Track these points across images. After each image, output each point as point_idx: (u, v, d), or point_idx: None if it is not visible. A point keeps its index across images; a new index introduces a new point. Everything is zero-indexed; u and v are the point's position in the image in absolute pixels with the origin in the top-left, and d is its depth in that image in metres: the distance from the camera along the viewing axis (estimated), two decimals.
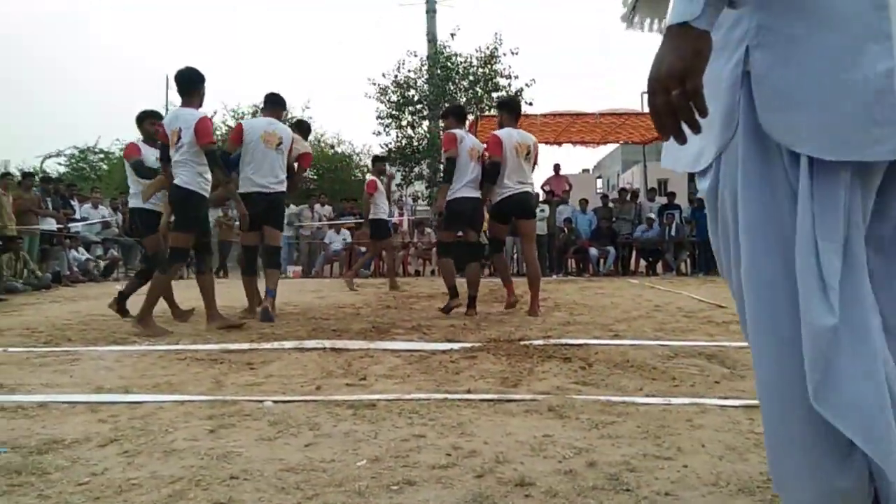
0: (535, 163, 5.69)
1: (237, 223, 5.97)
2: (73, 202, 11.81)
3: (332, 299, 7.15)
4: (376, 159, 9.72)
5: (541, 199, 12.53)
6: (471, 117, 14.68)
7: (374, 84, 17.75)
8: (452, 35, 17.47)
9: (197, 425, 2.25)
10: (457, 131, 5.54)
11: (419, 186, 18.41)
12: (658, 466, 1.82)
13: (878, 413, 1.01)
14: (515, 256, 11.81)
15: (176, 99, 5.15)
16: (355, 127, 60.70)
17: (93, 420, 2.35)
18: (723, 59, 1.12)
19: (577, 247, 12.28)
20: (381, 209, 8.51)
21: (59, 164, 25.59)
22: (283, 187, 5.32)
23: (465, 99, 16.91)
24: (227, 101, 30.49)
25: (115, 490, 1.69)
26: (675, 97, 1.01)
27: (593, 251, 12.16)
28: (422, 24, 18.75)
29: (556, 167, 13.67)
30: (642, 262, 12.73)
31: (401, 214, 14.01)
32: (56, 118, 56.61)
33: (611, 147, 26.81)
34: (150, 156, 5.31)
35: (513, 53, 17.28)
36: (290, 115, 16.02)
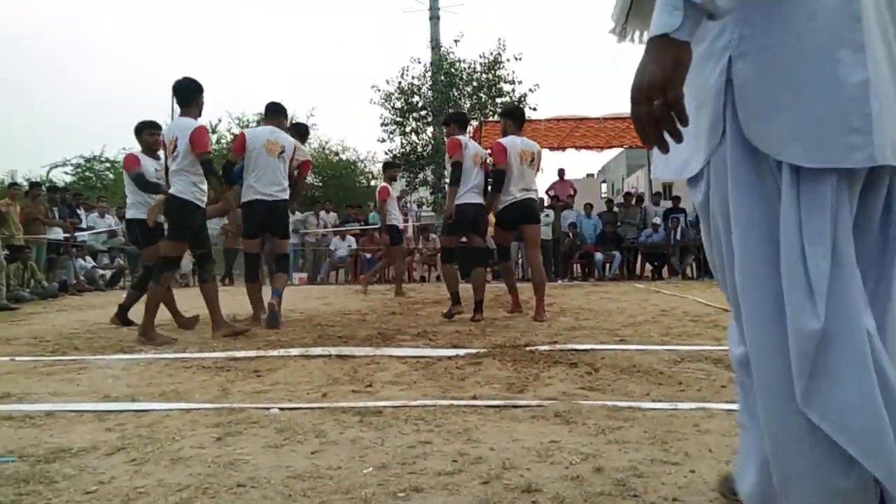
0: (538, 169, 5.74)
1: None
2: (79, 211, 11.88)
3: (337, 306, 7.16)
4: (387, 165, 9.74)
5: (545, 204, 12.52)
6: (475, 123, 14.72)
7: (378, 91, 17.81)
8: (456, 41, 17.52)
9: (204, 433, 2.25)
10: (460, 137, 5.59)
11: (424, 192, 18.43)
12: (665, 472, 1.81)
13: (869, 417, 1.02)
14: (520, 262, 11.80)
15: None
16: (357, 128, 60.94)
17: (100, 428, 2.35)
18: (708, 69, 1.15)
19: (583, 251, 12.27)
20: (394, 215, 8.53)
21: (66, 173, 25.78)
22: (286, 195, 5.35)
23: (468, 105, 16.92)
24: (231, 109, 30.73)
25: (122, 498, 1.70)
26: (656, 107, 1.04)
27: (598, 256, 12.14)
28: (424, 28, 18.81)
29: (561, 172, 13.66)
30: (648, 267, 12.68)
31: (406, 221, 14.03)
32: (62, 127, 57.10)
33: (615, 151, 26.81)
34: (150, 167, 5.35)
35: (516, 59, 17.31)
36: (293, 118, 16.07)
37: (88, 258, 11.29)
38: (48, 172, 24.67)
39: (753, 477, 1.33)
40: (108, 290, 10.76)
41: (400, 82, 17.69)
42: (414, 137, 17.95)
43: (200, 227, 4.84)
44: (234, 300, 6.56)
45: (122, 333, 4.99)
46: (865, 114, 1.05)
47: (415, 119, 17.76)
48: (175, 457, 2.01)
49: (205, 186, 4.75)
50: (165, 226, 5.01)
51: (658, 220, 12.27)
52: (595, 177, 47.19)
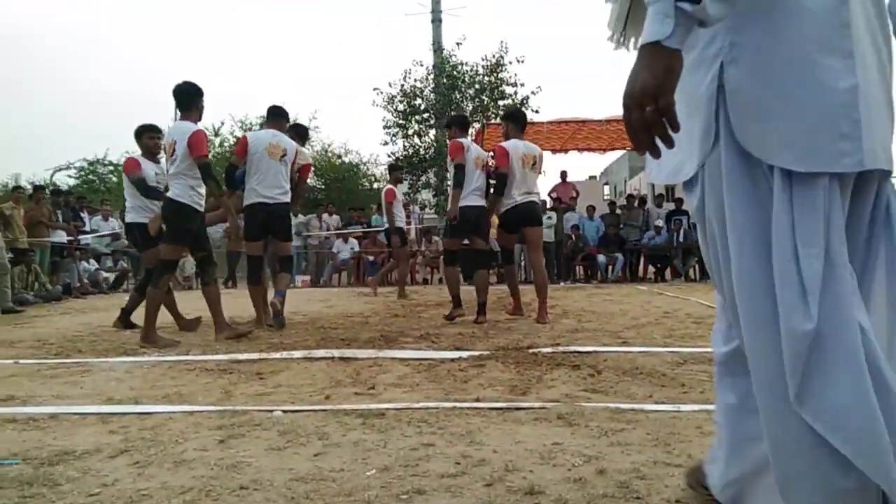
0: (539, 172, 5.77)
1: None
2: (83, 214, 11.90)
3: (340, 308, 7.16)
4: (393, 168, 9.73)
5: (548, 206, 12.53)
6: (477, 125, 14.72)
7: (381, 93, 17.83)
8: (458, 44, 17.53)
9: (207, 436, 2.26)
10: (462, 140, 5.62)
11: (426, 195, 18.43)
12: (668, 474, 1.81)
13: (863, 418, 1.03)
14: (523, 264, 11.80)
15: None
16: (359, 130, 60.96)
17: (103, 431, 2.36)
18: (699, 75, 1.17)
19: (585, 254, 12.26)
20: (399, 217, 8.54)
21: (70, 176, 25.81)
22: (288, 198, 5.37)
23: (471, 107, 16.92)
24: (234, 111, 30.75)
25: (125, 501, 1.70)
26: (648, 113, 1.06)
27: (601, 258, 12.13)
28: (426, 30, 18.84)
29: (563, 174, 13.67)
30: (650, 269, 12.68)
31: (408, 223, 14.03)
32: (65, 129, 56.96)
33: (618, 153, 26.72)
34: (150, 170, 5.37)
35: (518, 61, 17.31)
36: (296, 119, 16.08)
37: (92, 261, 11.32)
38: (52, 176, 24.73)
39: (725, 474, 1.37)
40: (112, 292, 10.78)
41: (402, 85, 17.72)
42: (416, 140, 17.97)
43: (200, 230, 4.85)
44: (237, 303, 6.57)
45: (125, 336, 5.00)
46: (854, 119, 1.08)
47: (417, 122, 17.77)
48: (178, 459, 2.01)
49: (203, 190, 4.75)
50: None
51: (661, 223, 12.27)
52: (597, 179, 47.18)
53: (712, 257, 1.24)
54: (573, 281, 12.13)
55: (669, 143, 1.07)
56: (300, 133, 6.40)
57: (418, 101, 17.61)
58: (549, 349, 3.84)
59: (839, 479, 1.05)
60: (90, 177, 25.73)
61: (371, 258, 12.98)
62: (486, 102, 17.02)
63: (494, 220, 5.89)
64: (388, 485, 1.77)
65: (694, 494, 1.61)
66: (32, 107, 56.66)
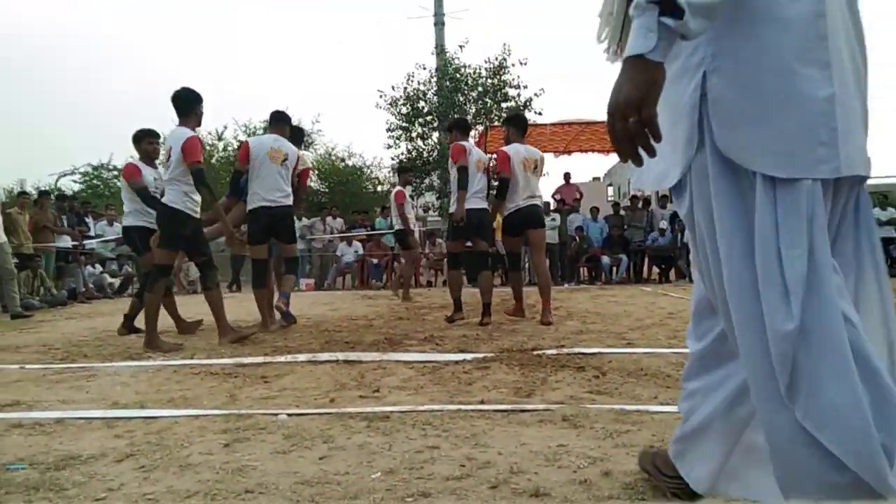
0: (541, 174, 5.80)
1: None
2: (87, 219, 11.94)
3: (344, 311, 7.17)
4: (402, 169, 9.72)
5: (551, 207, 12.52)
6: (480, 128, 14.72)
7: (384, 96, 17.86)
8: (461, 46, 17.55)
9: (212, 439, 2.26)
10: (464, 143, 5.64)
11: (430, 197, 18.44)
12: None
13: (852, 418, 1.06)
14: (526, 265, 11.79)
15: None
16: (362, 133, 60.94)
17: (109, 435, 2.36)
18: (683, 84, 1.22)
19: (589, 255, 12.24)
20: (411, 219, 8.55)
21: (74, 181, 25.89)
22: (290, 200, 5.39)
23: (474, 110, 16.95)
24: (237, 116, 30.77)
25: None
26: (631, 124, 1.09)
27: (605, 259, 12.12)
28: (429, 33, 18.87)
29: (567, 176, 13.65)
30: (655, 270, 12.65)
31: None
32: (70, 135, 57.14)
33: None
34: (149, 176, 5.39)
35: (521, 64, 17.32)
36: (300, 123, 16.11)
37: (97, 266, 11.36)
38: (57, 181, 24.81)
39: (704, 469, 1.46)
40: (117, 297, 10.81)
41: (405, 88, 17.75)
42: (420, 143, 17.99)
43: (196, 235, 4.85)
44: (241, 306, 6.58)
45: (130, 340, 5.02)
46: (832, 128, 1.12)
47: (420, 125, 17.80)
48: (184, 463, 2.01)
49: (197, 196, 4.76)
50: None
51: (664, 224, 12.24)
52: (601, 180, 47.04)
53: (702, 260, 1.28)
54: (577, 282, 12.11)
55: (651, 153, 1.11)
56: (295, 135, 6.42)
57: (421, 103, 17.64)
58: (553, 351, 3.84)
59: (833, 475, 1.07)
60: (95, 181, 25.81)
61: (375, 261, 12.98)
62: (489, 105, 17.04)
63: (497, 221, 5.91)
64: (394, 487, 1.77)
65: (650, 478, 1.70)
66: (34, 113, 56.90)
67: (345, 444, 2.17)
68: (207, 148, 21.43)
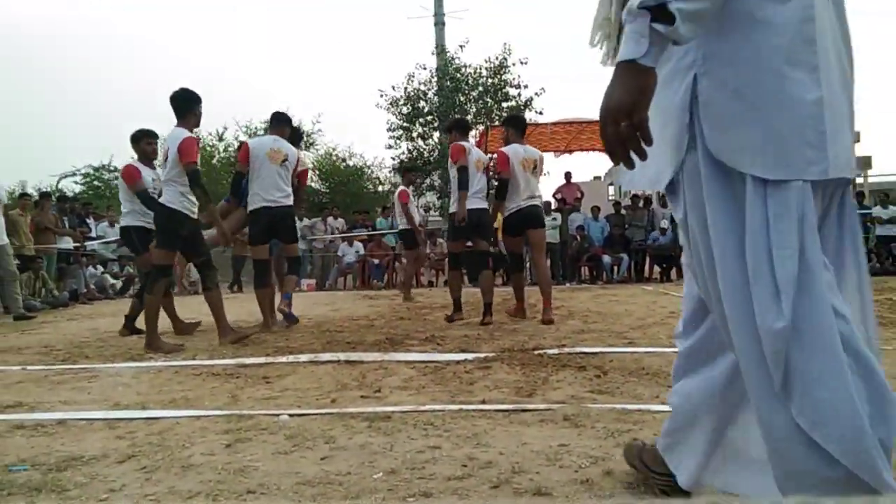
0: (540, 174, 5.83)
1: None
2: (88, 221, 11.95)
3: (345, 312, 7.17)
4: (407, 169, 9.72)
5: (552, 207, 12.52)
6: (481, 128, 14.72)
7: (384, 95, 17.88)
8: (461, 46, 17.56)
9: (213, 440, 2.26)
10: (464, 143, 5.66)
11: (431, 197, 18.45)
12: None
13: (845, 416, 1.07)
14: (527, 265, 11.79)
15: None
16: (363, 133, 60.99)
17: (111, 436, 2.37)
18: (674, 87, 1.23)
19: (590, 254, 12.23)
20: (416, 218, 8.56)
21: (75, 182, 25.92)
22: (290, 200, 5.40)
23: (474, 110, 16.96)
24: (238, 116, 30.76)
25: None
26: (623, 129, 1.11)
27: (606, 258, 12.11)
28: (429, 33, 18.88)
29: (568, 175, 13.65)
30: (656, 269, 12.65)
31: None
32: (70, 133, 57.15)
33: None
34: (147, 176, 5.40)
35: (522, 63, 17.33)
36: (301, 123, 16.11)
37: (98, 267, 11.37)
38: (58, 182, 24.84)
39: (692, 461, 1.49)
40: (119, 298, 10.82)
41: (406, 88, 17.75)
42: (420, 143, 18.01)
43: (194, 236, 4.85)
44: (243, 307, 6.59)
45: (131, 341, 5.02)
46: (821, 131, 1.14)
47: (421, 124, 17.81)
48: (185, 464, 2.02)
49: (194, 198, 4.77)
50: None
51: (666, 223, 12.23)
52: (602, 179, 46.95)
53: (695, 260, 1.29)
54: (578, 282, 12.11)
55: (643, 156, 1.13)
56: (293, 137, 6.42)
57: (422, 103, 17.65)
58: (554, 350, 3.84)
59: (826, 470, 1.08)
60: (96, 183, 25.84)
61: (376, 261, 12.98)
62: (489, 104, 17.05)
63: (499, 220, 5.91)
64: (395, 487, 1.77)
65: (637, 472, 1.73)
66: (35, 114, 56.93)
67: (346, 444, 2.17)
68: (208, 149, 21.44)
